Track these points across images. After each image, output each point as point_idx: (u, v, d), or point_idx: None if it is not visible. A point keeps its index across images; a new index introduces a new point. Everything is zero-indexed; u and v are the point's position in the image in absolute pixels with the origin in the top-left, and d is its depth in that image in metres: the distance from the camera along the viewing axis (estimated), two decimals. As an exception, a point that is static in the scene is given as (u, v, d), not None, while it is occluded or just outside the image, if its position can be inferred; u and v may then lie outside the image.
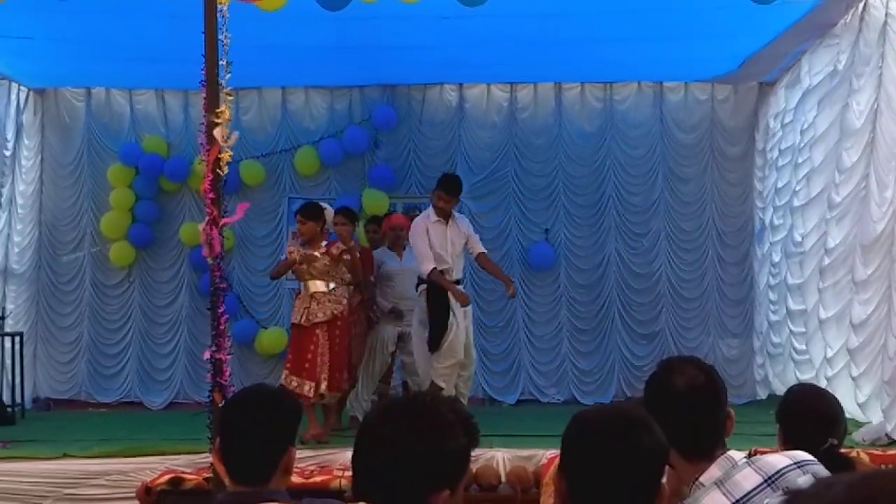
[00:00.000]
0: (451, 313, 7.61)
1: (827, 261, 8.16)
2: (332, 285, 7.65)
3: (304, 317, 7.54)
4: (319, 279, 7.64)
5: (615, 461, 1.94)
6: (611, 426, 1.99)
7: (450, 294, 7.64)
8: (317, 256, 7.62)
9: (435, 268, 7.64)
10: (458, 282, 7.90)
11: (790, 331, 9.30)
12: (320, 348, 7.46)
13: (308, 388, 7.33)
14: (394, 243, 8.66)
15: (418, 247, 7.78)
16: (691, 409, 2.47)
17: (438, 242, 7.75)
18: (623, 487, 1.95)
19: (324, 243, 7.70)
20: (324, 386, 7.38)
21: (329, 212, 7.99)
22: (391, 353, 8.52)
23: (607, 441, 1.96)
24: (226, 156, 5.30)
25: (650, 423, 2.00)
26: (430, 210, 7.91)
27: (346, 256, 7.63)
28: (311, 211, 7.77)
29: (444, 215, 7.85)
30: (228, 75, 5.43)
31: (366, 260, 8.45)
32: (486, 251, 8.14)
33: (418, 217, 8.12)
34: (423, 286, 7.77)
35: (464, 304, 7.79)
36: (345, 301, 7.70)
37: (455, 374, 7.69)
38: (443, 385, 7.55)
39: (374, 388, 8.43)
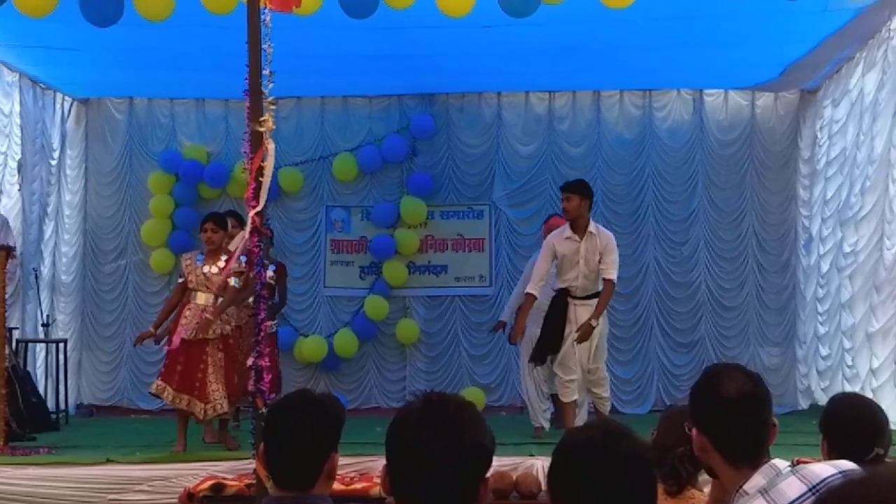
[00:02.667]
0: (568, 326, 7.34)
1: (884, 274, 8.01)
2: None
3: (195, 332, 7.08)
4: (213, 294, 7.26)
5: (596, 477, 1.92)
6: (584, 450, 1.99)
7: (569, 310, 7.37)
8: (213, 274, 7.24)
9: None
10: (595, 295, 7.40)
11: (842, 347, 9.00)
12: (211, 367, 7.11)
13: (199, 409, 7.03)
14: None
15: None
16: (740, 415, 2.46)
17: (569, 258, 7.40)
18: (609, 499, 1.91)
19: (223, 257, 7.26)
20: (224, 403, 7.06)
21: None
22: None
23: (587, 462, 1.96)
24: (268, 165, 5.35)
25: (629, 432, 1.98)
26: (567, 224, 7.57)
27: (232, 282, 6.96)
28: (222, 221, 7.54)
29: (574, 225, 7.45)
30: (271, 85, 5.48)
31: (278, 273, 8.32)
32: (614, 279, 7.44)
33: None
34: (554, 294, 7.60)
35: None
36: (233, 322, 7.35)
37: (574, 388, 7.33)
38: (567, 400, 7.35)
39: (547, 396, 8.26)
